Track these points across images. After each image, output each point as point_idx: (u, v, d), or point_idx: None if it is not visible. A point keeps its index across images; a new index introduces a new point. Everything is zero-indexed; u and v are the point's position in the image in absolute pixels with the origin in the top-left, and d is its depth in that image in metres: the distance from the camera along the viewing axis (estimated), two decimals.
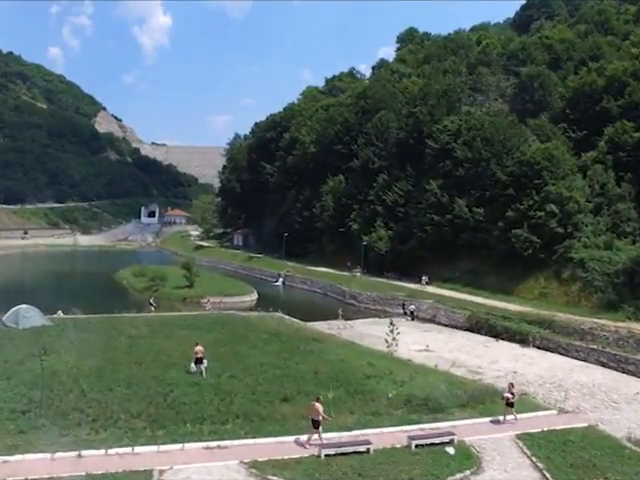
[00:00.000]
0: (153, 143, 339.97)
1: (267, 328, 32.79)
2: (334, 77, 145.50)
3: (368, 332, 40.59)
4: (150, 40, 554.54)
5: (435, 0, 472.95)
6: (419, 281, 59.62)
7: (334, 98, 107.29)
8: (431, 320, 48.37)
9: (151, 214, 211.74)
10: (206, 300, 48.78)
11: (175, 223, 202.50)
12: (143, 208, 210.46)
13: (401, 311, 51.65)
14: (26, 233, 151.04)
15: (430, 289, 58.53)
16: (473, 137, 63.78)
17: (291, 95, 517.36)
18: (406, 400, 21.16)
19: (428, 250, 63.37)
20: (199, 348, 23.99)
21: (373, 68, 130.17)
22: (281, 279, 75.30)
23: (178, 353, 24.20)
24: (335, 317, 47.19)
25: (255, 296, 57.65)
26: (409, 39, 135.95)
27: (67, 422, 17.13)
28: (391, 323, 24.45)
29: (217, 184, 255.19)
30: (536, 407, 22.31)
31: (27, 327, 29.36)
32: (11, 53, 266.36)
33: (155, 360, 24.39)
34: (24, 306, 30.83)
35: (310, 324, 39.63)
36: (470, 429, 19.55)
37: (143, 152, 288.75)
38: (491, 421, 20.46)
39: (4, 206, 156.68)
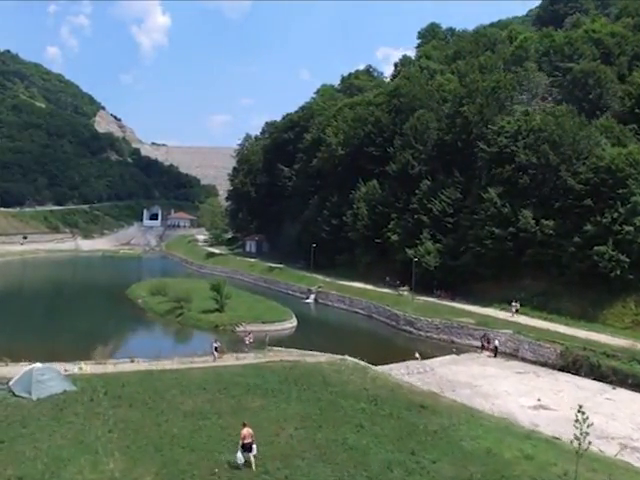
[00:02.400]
0: (153, 143, 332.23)
1: (354, 388, 25.38)
2: (350, 75, 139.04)
3: (455, 378, 33.25)
4: (149, 40, 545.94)
5: (434, 0, 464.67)
6: (509, 308, 49.38)
7: (359, 96, 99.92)
8: (512, 355, 40.98)
9: (153, 216, 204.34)
10: (247, 332, 41.18)
11: (179, 226, 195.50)
12: (145, 210, 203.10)
13: (472, 342, 44.27)
14: (25, 238, 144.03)
15: (491, 311, 51.15)
16: (536, 140, 56.62)
17: (289, 95, 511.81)
18: None
19: (487, 267, 56.12)
20: (247, 431, 17.56)
21: (396, 65, 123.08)
22: (312, 296, 67.73)
23: (262, 448, 16.80)
24: (398, 351, 40.05)
25: (295, 321, 50.16)
26: (431, 35, 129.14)
27: None
28: (580, 410, 16.80)
29: (219, 185, 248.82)
30: None
31: (43, 397, 21.67)
32: (8, 51, 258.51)
33: None
34: (38, 366, 23.06)
35: (387, 369, 32.36)
36: None
37: (143, 152, 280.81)
38: None
39: (2, 209, 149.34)
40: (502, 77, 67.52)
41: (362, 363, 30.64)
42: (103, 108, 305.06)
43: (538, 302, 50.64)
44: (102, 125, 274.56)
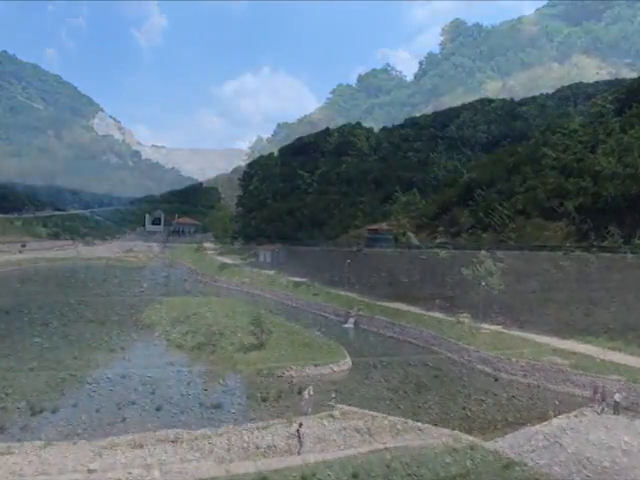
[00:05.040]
0: (153, 145, 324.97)
1: None
2: (368, 74, 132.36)
3: (593, 456, 25.69)
4: (147, 41, 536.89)
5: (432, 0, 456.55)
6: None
7: (388, 96, 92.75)
8: (629, 409, 33.47)
9: (156, 221, 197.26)
10: (305, 389, 33.30)
11: (183, 232, 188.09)
12: (147, 215, 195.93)
13: (572, 389, 36.75)
14: (24, 246, 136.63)
15: (569, 344, 43.55)
16: (618, 145, 49.38)
17: (289, 95, 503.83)
18: None
19: (557, 291, 48.78)
20: None
21: (420, 63, 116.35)
22: (352, 319, 60.20)
23: None
24: (489, 403, 32.79)
25: (349, 360, 42.49)
26: (456, 32, 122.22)
27: None
28: None
29: (221, 187, 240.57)
30: None
31: None
32: (6, 52, 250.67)
33: None
34: None
35: (507, 447, 24.89)
36: None
37: (144, 155, 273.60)
38: None
39: (0, 215, 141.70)
40: (565, 73, 60.22)
41: (485, 446, 23.11)
42: (102, 110, 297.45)
43: (634, 335, 43.13)
44: (101, 127, 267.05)
